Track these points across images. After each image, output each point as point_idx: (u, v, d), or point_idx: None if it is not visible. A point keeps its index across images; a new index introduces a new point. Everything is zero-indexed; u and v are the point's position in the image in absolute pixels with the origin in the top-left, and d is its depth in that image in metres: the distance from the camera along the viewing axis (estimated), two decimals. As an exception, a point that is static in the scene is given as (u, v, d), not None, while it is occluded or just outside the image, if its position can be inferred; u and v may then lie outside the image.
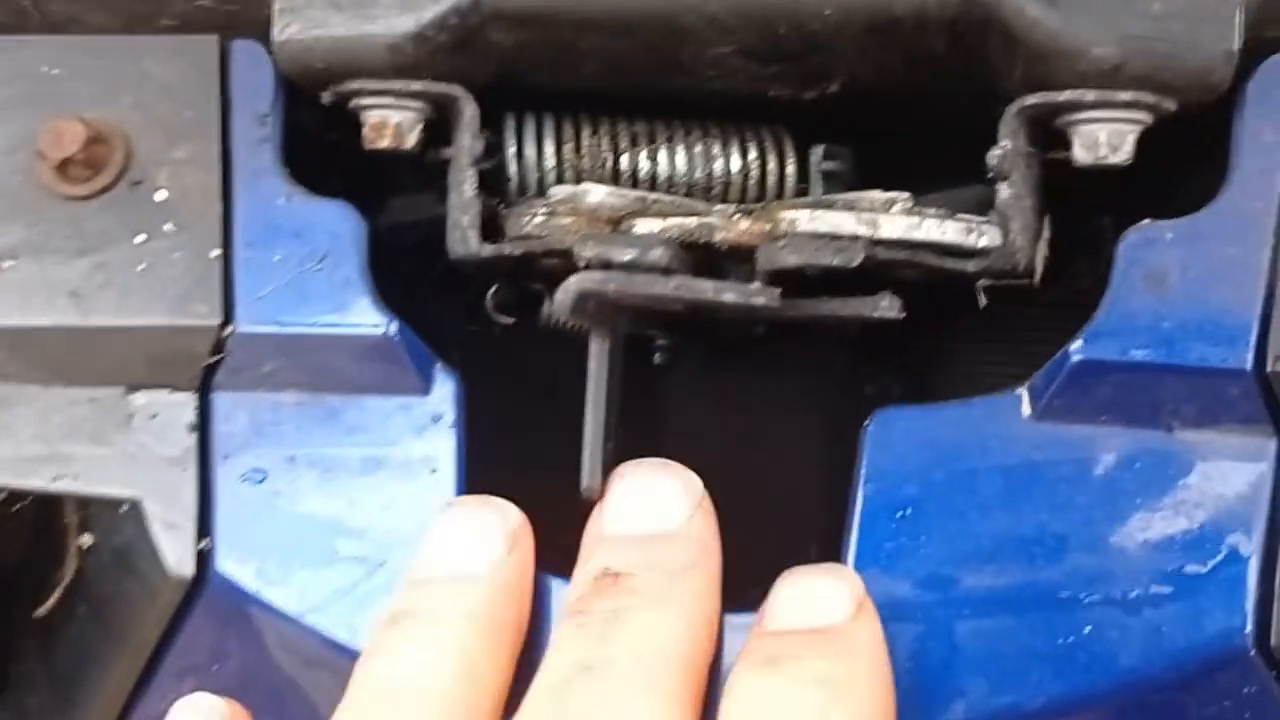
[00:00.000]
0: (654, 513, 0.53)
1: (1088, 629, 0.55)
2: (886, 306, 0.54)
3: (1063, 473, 0.55)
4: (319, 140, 0.62)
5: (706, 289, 0.52)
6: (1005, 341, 0.68)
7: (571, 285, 0.51)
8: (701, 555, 0.52)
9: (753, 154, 0.64)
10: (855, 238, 0.56)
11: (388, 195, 0.66)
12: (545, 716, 0.48)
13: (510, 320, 0.64)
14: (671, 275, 0.52)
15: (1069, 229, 0.61)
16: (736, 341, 0.66)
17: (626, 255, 0.53)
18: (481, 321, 0.64)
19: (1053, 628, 0.55)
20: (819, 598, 0.51)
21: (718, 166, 0.63)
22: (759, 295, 0.52)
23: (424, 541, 0.54)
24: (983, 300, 0.58)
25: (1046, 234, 0.59)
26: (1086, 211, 0.64)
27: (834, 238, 0.56)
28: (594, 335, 0.53)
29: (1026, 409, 0.56)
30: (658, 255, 0.53)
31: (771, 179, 0.64)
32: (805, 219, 0.56)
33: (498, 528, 0.53)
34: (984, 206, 0.60)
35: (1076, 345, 0.55)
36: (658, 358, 0.65)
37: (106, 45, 0.61)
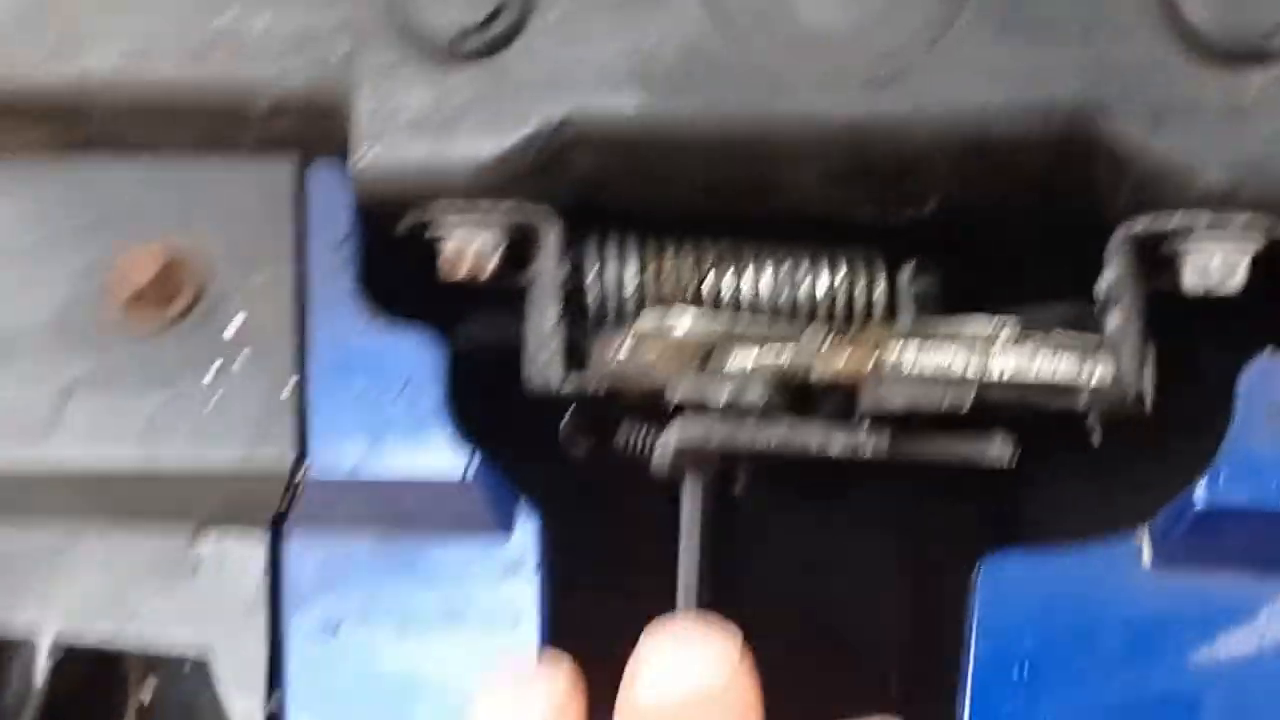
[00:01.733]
0: (691, 676, 0.49)
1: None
2: (999, 451, 0.51)
3: (1190, 627, 0.53)
4: (396, 262, 0.60)
5: (812, 441, 0.49)
6: (1089, 468, 0.66)
7: (671, 442, 0.49)
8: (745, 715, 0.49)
9: (840, 275, 0.62)
10: (964, 379, 0.53)
11: (466, 316, 0.64)
12: None
13: (586, 450, 0.62)
14: (772, 422, 0.50)
15: (1165, 355, 0.58)
16: (813, 471, 0.63)
17: (721, 396, 0.51)
18: (563, 450, 0.62)
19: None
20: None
21: (805, 288, 0.61)
22: (866, 445, 0.49)
23: None
24: (1097, 438, 0.55)
25: (1153, 362, 0.56)
26: (1184, 338, 0.61)
27: (942, 378, 0.53)
28: (688, 481, 0.51)
29: (1147, 557, 0.54)
30: (755, 396, 0.51)
31: (860, 300, 0.61)
32: (910, 357, 0.53)
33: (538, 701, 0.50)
34: (1073, 325, 0.57)
35: (1200, 491, 0.52)
36: (738, 488, 0.63)
37: (181, 168, 0.60)
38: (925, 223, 0.61)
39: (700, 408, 0.51)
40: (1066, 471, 0.66)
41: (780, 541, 0.69)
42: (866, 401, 0.52)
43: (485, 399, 0.58)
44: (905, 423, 0.52)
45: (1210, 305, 0.55)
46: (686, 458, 0.49)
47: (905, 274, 0.61)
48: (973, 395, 0.51)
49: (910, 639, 0.67)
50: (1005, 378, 0.53)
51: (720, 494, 0.59)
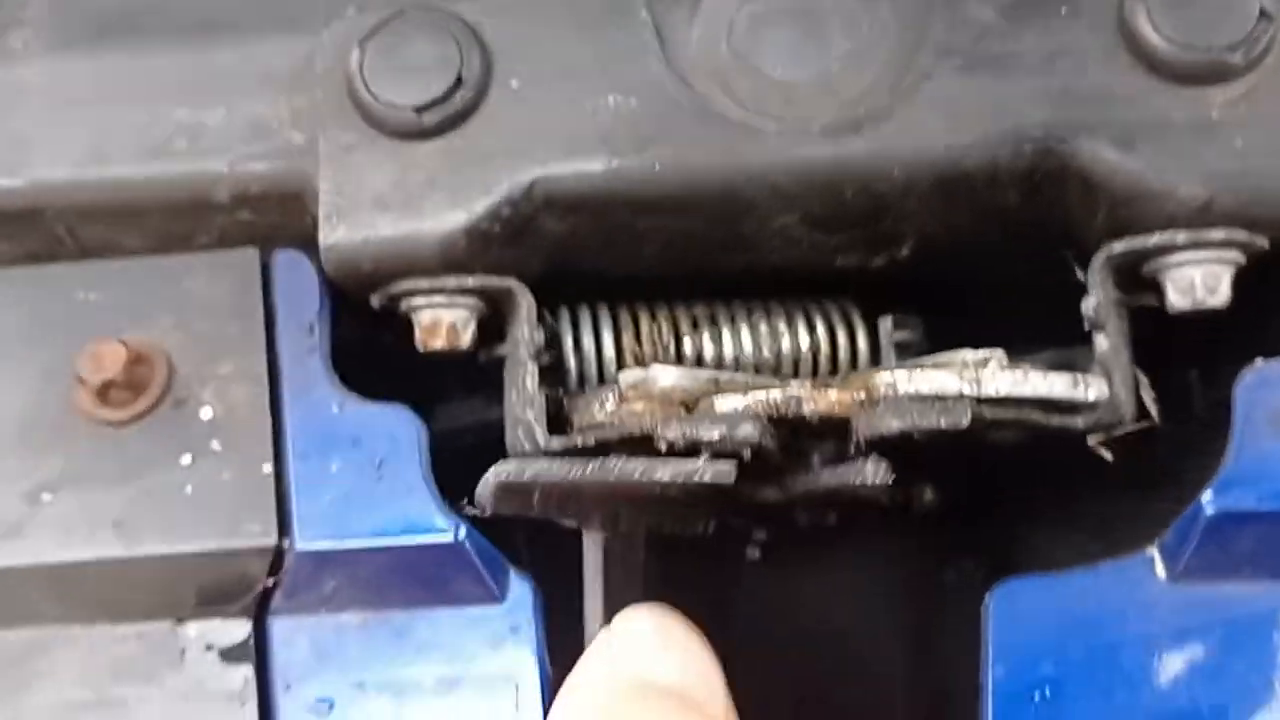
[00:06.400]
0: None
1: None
2: (872, 472, 0.50)
3: (1211, 636, 0.52)
4: (369, 345, 0.59)
5: (634, 471, 0.49)
6: (1083, 517, 0.65)
7: (489, 478, 0.48)
8: None
9: (821, 328, 0.61)
10: (960, 396, 0.52)
11: (440, 399, 0.63)
12: None
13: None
14: (599, 460, 0.50)
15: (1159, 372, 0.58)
16: (810, 531, 0.62)
17: (714, 434, 0.50)
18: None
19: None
20: None
21: (785, 344, 0.60)
22: (705, 471, 0.49)
23: None
24: (1107, 454, 0.54)
25: (1146, 379, 0.55)
26: (1169, 362, 0.60)
27: (937, 398, 0.52)
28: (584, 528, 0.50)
29: (1161, 570, 0.53)
30: (747, 431, 0.50)
31: (842, 353, 0.61)
32: (904, 380, 0.52)
33: None
34: (1061, 369, 0.56)
35: (1209, 497, 0.52)
36: (753, 553, 0.62)
37: (144, 266, 0.60)
38: (905, 269, 0.60)
39: (693, 446, 0.50)
40: (1068, 511, 0.65)
41: (776, 601, 0.68)
42: (862, 427, 0.51)
43: (469, 470, 0.57)
44: (901, 447, 0.50)
45: (1182, 322, 0.55)
46: (527, 500, 0.49)
47: (886, 324, 0.61)
48: (969, 413, 0.50)
49: (911, 696, 0.65)
50: (1001, 393, 0.52)
51: (732, 555, 0.58)
